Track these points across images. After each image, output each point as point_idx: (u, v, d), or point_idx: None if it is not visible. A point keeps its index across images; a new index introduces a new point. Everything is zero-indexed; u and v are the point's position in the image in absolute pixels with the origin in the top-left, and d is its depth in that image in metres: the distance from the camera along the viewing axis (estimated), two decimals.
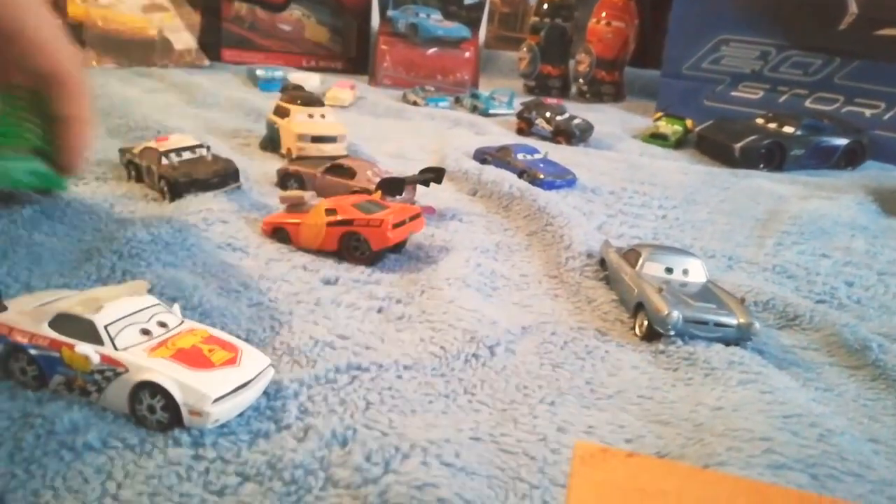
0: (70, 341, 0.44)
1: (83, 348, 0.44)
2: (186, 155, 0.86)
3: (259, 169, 0.99)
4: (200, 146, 0.88)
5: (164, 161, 0.83)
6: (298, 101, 1.05)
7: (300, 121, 1.03)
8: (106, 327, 0.45)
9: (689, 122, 1.48)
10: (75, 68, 0.65)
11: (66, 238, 0.69)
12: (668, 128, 1.46)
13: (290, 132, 1.02)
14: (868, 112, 1.45)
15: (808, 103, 1.51)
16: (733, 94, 1.60)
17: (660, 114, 1.54)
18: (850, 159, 1.34)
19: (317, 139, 1.02)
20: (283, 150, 1.05)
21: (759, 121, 1.38)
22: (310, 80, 1.64)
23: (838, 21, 1.46)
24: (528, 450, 0.46)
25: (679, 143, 1.44)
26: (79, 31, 1.56)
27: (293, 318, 0.59)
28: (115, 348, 0.44)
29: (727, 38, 1.60)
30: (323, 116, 1.05)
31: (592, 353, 0.59)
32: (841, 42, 1.46)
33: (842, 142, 1.33)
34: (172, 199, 0.80)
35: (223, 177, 0.85)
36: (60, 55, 0.64)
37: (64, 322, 0.46)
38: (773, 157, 1.29)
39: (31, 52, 0.62)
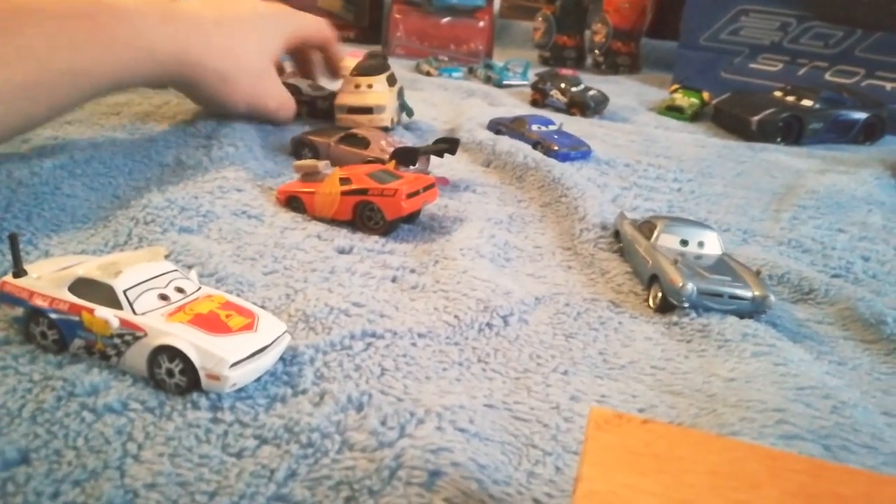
0: (90, 305, 0.45)
1: (103, 312, 0.44)
2: None
3: (275, 138, 0.99)
4: None
5: None
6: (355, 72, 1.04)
7: (344, 91, 1.02)
8: (125, 292, 0.45)
9: (705, 95, 1.45)
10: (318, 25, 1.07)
11: (85, 203, 0.69)
12: (684, 100, 1.44)
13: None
14: (889, 86, 1.42)
15: (828, 76, 1.48)
16: (752, 66, 1.58)
17: (676, 86, 1.53)
18: (868, 133, 1.32)
19: (353, 110, 1.01)
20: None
21: (777, 94, 1.36)
22: None
23: None
24: (541, 417, 0.46)
25: (695, 116, 1.42)
26: None
27: (308, 286, 0.59)
28: (134, 313, 0.45)
29: (747, 8, 1.57)
30: (370, 86, 1.03)
31: (606, 324, 0.60)
32: (863, 13, 1.43)
33: (861, 116, 1.31)
34: None
35: None
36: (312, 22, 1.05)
37: (83, 286, 0.46)
38: (791, 130, 1.27)
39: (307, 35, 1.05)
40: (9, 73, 0.65)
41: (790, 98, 1.33)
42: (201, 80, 0.87)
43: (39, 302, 0.46)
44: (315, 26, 1.05)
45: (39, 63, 0.67)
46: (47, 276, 0.48)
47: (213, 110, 0.97)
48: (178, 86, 0.89)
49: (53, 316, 0.46)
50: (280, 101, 0.99)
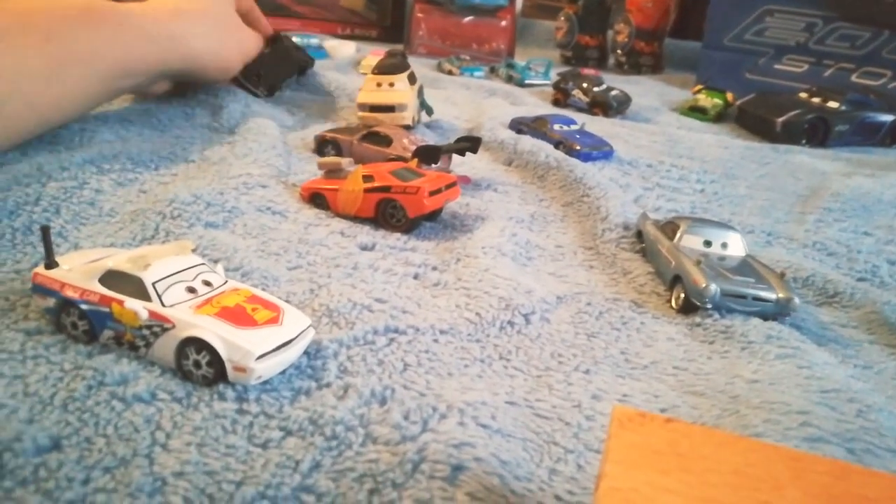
0: (120, 297, 0.46)
1: (132, 304, 0.45)
2: None
3: (298, 135, 1.00)
4: None
5: None
6: (375, 70, 1.05)
7: (366, 89, 1.03)
8: (154, 284, 0.46)
9: (729, 96, 1.44)
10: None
11: (113, 197, 0.70)
12: (707, 101, 1.43)
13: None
14: None
15: (854, 78, 1.47)
16: (776, 67, 1.56)
17: (699, 86, 1.51)
18: (895, 136, 1.31)
19: (375, 108, 1.01)
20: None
21: (803, 95, 1.34)
22: (345, 49, 1.63)
23: None
24: (563, 415, 0.46)
25: (719, 117, 1.41)
26: None
27: (331, 282, 0.60)
28: (163, 305, 0.46)
29: (772, 8, 1.55)
30: (391, 85, 1.04)
31: (628, 324, 0.60)
32: (890, 14, 1.41)
33: (888, 118, 1.29)
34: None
35: None
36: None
37: (113, 278, 0.47)
38: (817, 132, 1.26)
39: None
40: (33, 53, 0.72)
41: (816, 99, 1.31)
42: (197, 54, 0.95)
43: (70, 293, 0.47)
44: None
45: (59, 46, 0.74)
46: (78, 268, 0.49)
47: (216, 80, 1.05)
48: (178, 66, 0.93)
49: (84, 307, 0.47)
50: (255, 34, 1.11)
